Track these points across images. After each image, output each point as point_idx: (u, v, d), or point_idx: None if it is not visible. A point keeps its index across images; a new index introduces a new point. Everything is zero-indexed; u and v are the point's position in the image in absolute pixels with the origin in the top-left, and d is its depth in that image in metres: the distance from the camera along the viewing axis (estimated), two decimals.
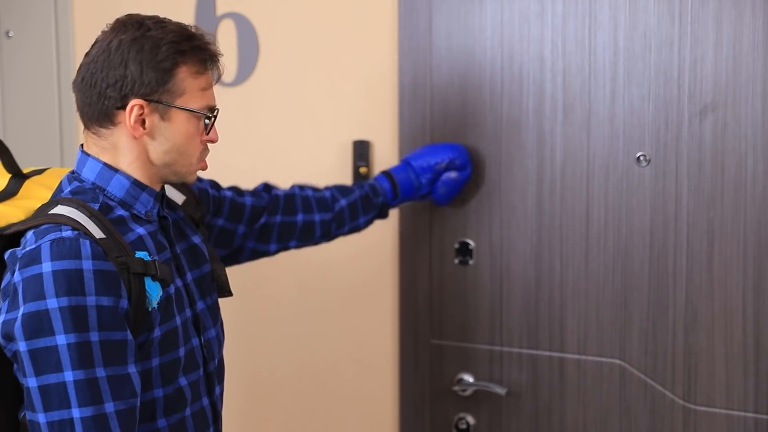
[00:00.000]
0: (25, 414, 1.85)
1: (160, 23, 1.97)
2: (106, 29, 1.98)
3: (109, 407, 1.78)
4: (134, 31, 1.94)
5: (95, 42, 1.98)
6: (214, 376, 2.13)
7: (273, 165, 3.28)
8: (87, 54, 1.98)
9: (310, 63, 3.19)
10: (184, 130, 1.98)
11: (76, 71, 2.01)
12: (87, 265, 1.79)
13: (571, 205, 2.84)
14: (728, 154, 2.52)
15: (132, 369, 1.83)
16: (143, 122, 1.94)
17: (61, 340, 1.76)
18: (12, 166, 2.11)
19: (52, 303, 1.76)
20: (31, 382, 1.78)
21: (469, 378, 3.04)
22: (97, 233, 1.85)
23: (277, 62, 3.23)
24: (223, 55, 2.07)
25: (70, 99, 3.08)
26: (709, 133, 2.53)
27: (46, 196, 2.03)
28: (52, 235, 1.82)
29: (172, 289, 1.97)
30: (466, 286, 3.00)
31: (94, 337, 1.78)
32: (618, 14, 2.69)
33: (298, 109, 3.22)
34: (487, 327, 2.99)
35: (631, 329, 2.76)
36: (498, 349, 3.00)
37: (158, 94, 1.93)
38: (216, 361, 2.14)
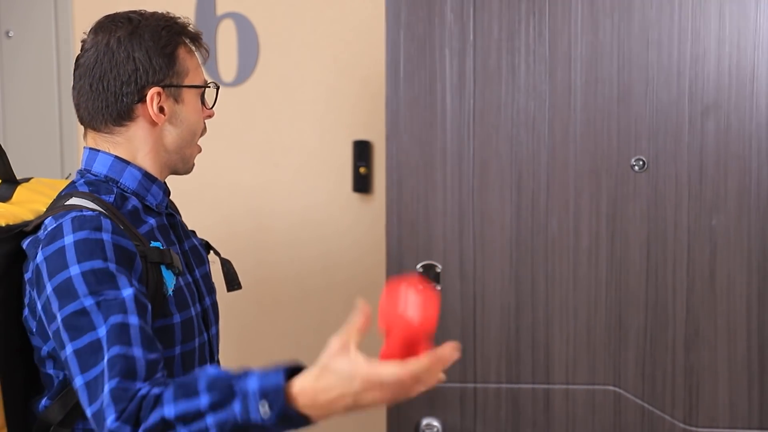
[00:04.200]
0: (37, 403, 1.89)
1: (142, 14, 1.99)
2: (87, 36, 1.99)
3: (139, 352, 1.72)
4: (126, 26, 1.95)
5: (85, 49, 1.97)
6: None
7: (273, 165, 3.26)
8: (79, 62, 1.98)
9: (310, 63, 3.18)
10: (193, 108, 2.02)
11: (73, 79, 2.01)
12: (107, 237, 1.79)
13: (556, 215, 2.57)
14: (731, 158, 2.42)
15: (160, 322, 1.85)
16: (161, 109, 1.96)
17: (87, 301, 1.73)
18: (6, 172, 2.09)
19: (74, 270, 1.75)
20: (68, 349, 1.73)
21: (435, 423, 2.71)
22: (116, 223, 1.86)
23: (277, 62, 3.23)
24: (203, 33, 2.11)
25: (71, 99, 3.07)
26: (712, 135, 2.44)
27: (41, 199, 2.02)
28: (73, 213, 1.82)
29: (183, 281, 1.97)
30: None
31: (123, 294, 1.75)
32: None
33: (298, 109, 3.21)
34: (457, 361, 2.45)
35: (626, 351, 2.56)
36: (471, 386, 2.64)
37: (170, 78, 1.95)
38: (217, 359, 2.15)
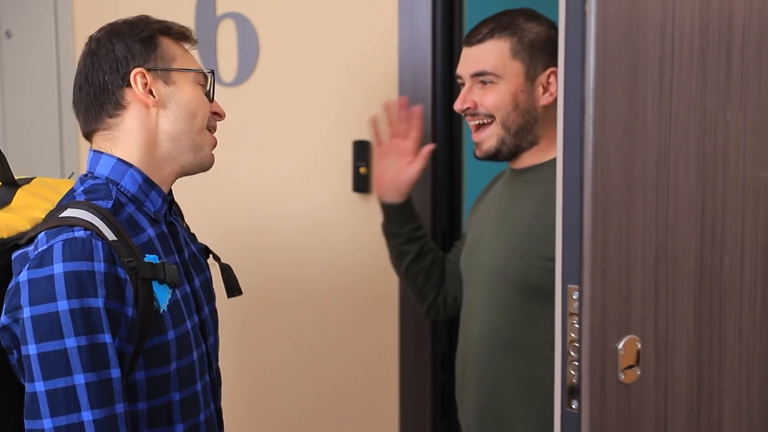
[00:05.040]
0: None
1: (124, 20, 2.02)
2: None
3: (120, 408, 1.76)
4: (105, 28, 1.99)
5: (78, 68, 2.02)
6: (216, 382, 2.12)
7: (273, 165, 3.26)
8: (75, 80, 2.03)
9: (310, 63, 3.17)
10: (190, 90, 1.99)
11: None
12: (99, 267, 1.76)
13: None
14: None
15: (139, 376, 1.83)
16: (151, 93, 1.96)
17: (71, 342, 1.72)
18: (5, 175, 2.08)
19: (63, 305, 1.73)
20: (39, 387, 1.73)
21: None
22: (109, 235, 1.83)
23: (277, 62, 3.22)
24: (190, 29, 2.08)
25: (70, 99, 3.08)
26: None
27: (41, 205, 2.00)
28: (64, 235, 1.78)
29: (179, 294, 1.95)
30: None
31: (108, 339, 1.75)
32: None
33: (298, 109, 3.21)
34: None
35: None
36: None
37: (153, 62, 1.95)
38: (215, 367, 2.13)
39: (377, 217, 2.96)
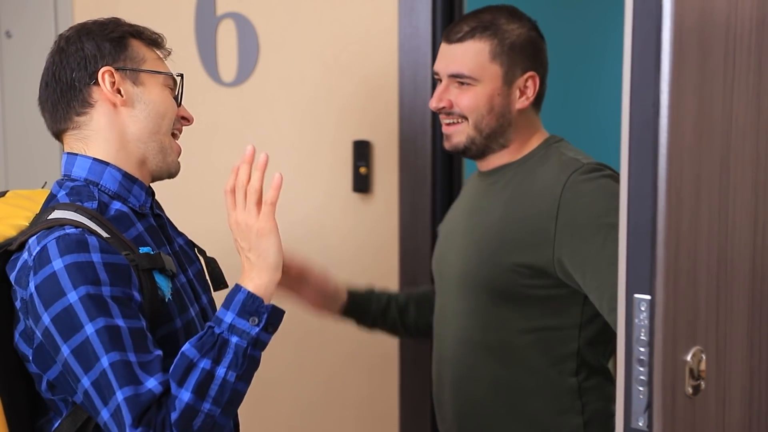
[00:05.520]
0: (48, 424, 1.83)
1: (95, 20, 1.97)
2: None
3: (150, 383, 1.70)
4: (77, 27, 1.94)
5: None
6: None
7: (273, 165, 3.11)
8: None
9: (310, 63, 3.10)
10: (158, 92, 1.93)
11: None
12: (96, 257, 1.71)
13: None
14: None
15: (157, 352, 1.75)
16: (119, 92, 1.90)
17: (89, 329, 1.67)
18: None
19: (72, 296, 1.68)
20: (85, 383, 1.69)
21: None
22: (102, 232, 1.78)
23: (277, 62, 3.15)
24: (163, 36, 2.02)
25: None
26: None
27: (22, 213, 1.92)
28: (56, 233, 1.73)
29: (178, 283, 1.91)
30: None
31: (121, 323, 1.69)
32: None
33: (298, 109, 3.13)
34: None
35: None
36: None
37: (122, 61, 1.90)
38: None
39: (377, 217, 2.91)
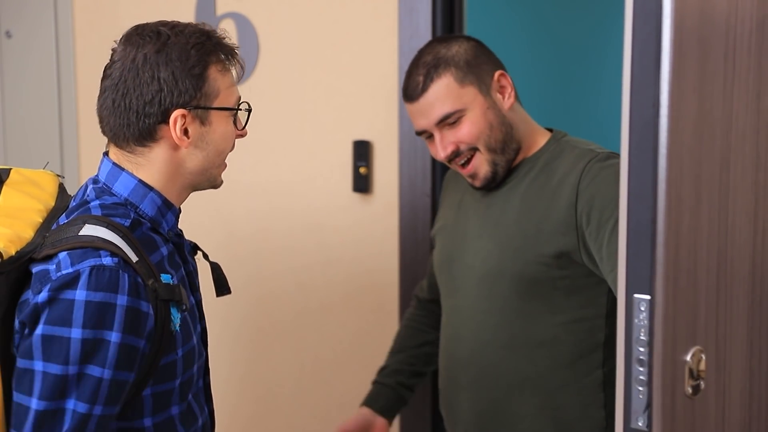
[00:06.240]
0: None
1: (175, 28, 1.83)
2: (117, 46, 1.84)
3: None
4: (155, 42, 1.79)
5: (113, 61, 1.83)
6: (209, 386, 2.06)
7: (273, 165, 3.19)
8: (106, 74, 1.84)
9: (310, 63, 3.09)
10: (223, 130, 1.87)
11: (98, 93, 1.86)
12: (122, 300, 1.67)
13: None
14: None
15: (117, 409, 1.73)
16: (185, 131, 1.81)
17: (73, 369, 1.64)
18: None
19: (76, 333, 1.64)
20: (34, 405, 1.65)
21: None
22: (132, 256, 1.73)
23: (277, 62, 3.14)
24: (239, 47, 1.93)
25: (70, 99, 2.94)
26: None
27: (33, 205, 1.88)
28: (91, 261, 1.67)
29: (187, 307, 1.87)
30: None
31: (107, 374, 1.67)
32: None
33: (298, 108, 3.12)
34: None
35: None
36: None
37: (197, 100, 1.80)
38: (208, 373, 2.08)
39: (377, 217, 2.90)
